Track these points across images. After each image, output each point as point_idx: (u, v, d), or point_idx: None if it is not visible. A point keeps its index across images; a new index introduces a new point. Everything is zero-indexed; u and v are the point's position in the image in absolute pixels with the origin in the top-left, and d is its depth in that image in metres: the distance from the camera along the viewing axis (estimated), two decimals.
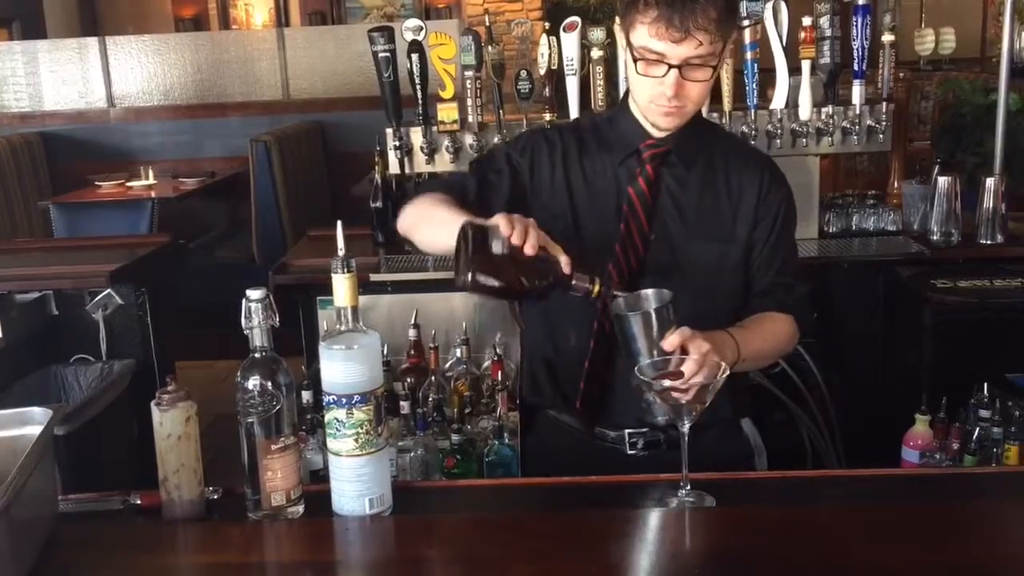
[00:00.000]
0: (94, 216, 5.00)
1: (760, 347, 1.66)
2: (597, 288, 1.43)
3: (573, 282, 1.42)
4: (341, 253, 1.37)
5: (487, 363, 2.57)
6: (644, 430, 1.70)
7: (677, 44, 1.52)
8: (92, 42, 6.18)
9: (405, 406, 2.33)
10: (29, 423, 1.38)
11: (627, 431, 1.72)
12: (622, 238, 1.67)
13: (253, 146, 5.12)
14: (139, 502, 1.45)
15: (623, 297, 1.44)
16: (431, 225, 1.59)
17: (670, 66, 1.54)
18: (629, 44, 1.59)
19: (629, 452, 1.72)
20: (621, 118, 1.74)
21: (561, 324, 1.76)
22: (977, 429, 2.21)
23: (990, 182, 2.96)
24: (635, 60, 1.58)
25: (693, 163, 1.71)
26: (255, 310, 1.35)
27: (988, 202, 2.96)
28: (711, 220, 1.71)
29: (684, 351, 1.40)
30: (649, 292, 1.45)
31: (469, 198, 1.67)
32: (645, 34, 1.54)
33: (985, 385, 2.26)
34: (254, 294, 1.35)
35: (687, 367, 1.38)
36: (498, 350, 2.54)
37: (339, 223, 1.41)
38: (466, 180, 1.75)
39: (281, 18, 10.34)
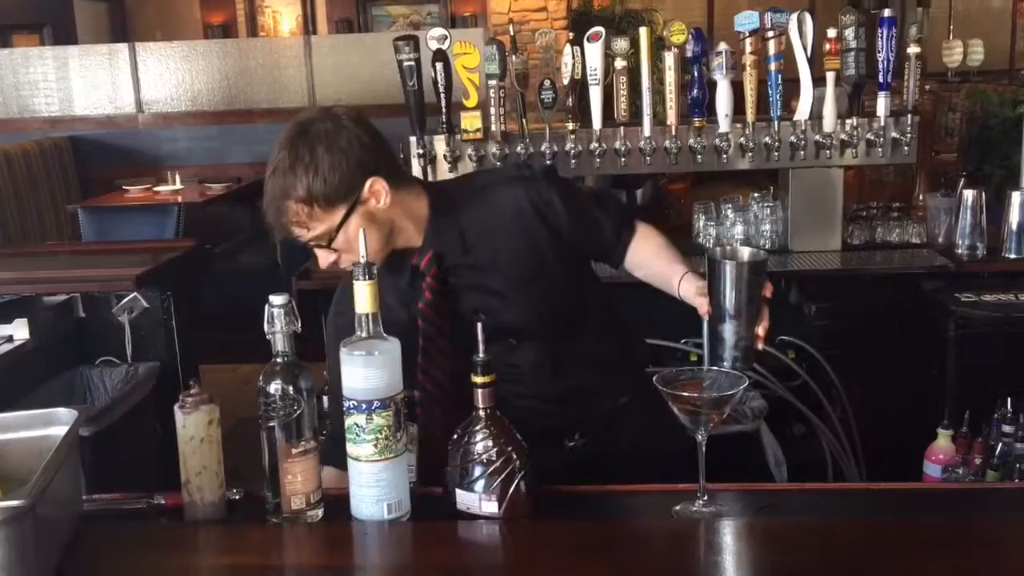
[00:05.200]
0: (121, 220, 5.05)
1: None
2: None
3: None
4: (363, 260, 1.38)
5: None
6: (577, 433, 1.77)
7: (290, 238, 1.62)
8: (122, 48, 6.26)
9: None
10: (55, 423, 1.39)
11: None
12: (424, 349, 1.69)
13: None
14: (162, 503, 1.47)
15: (719, 247, 1.53)
16: None
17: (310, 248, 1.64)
18: None
19: (569, 444, 1.77)
20: None
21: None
22: (1000, 444, 2.19)
23: (1016, 196, 2.94)
24: None
25: (464, 241, 1.69)
26: (278, 315, 1.37)
27: (1014, 216, 2.93)
28: (518, 269, 1.70)
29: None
30: (745, 248, 1.53)
31: None
32: None
33: (1008, 400, 2.24)
34: (277, 300, 1.37)
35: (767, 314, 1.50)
36: None
37: (362, 231, 1.43)
38: None
39: (308, 26, 10.42)
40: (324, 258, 1.65)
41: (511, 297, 1.70)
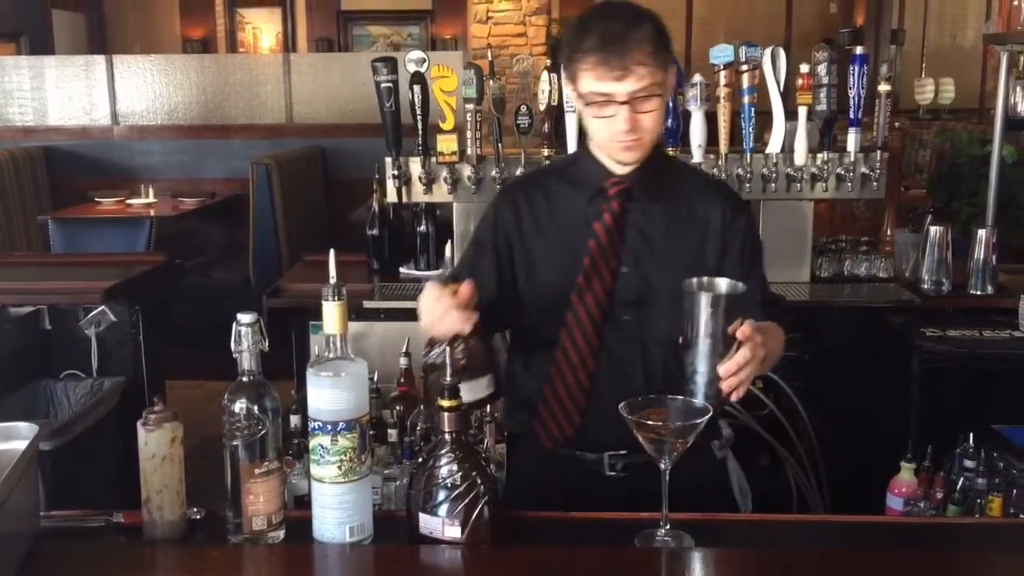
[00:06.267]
0: (92, 232, 5.00)
1: (778, 347, 1.72)
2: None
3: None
4: (332, 281, 1.38)
5: None
6: (623, 452, 1.74)
7: (620, 82, 1.62)
8: (99, 60, 6.22)
9: (392, 434, 2.33)
10: (15, 438, 1.38)
11: (607, 454, 1.77)
12: (586, 270, 1.73)
13: (254, 169, 5.15)
14: (121, 521, 1.45)
15: (696, 279, 1.53)
16: None
17: (619, 103, 1.64)
18: (579, 94, 1.69)
19: (608, 473, 1.76)
20: (583, 160, 1.82)
21: (551, 364, 1.78)
22: (962, 479, 2.22)
23: (982, 233, 2.99)
24: (587, 105, 1.68)
25: (657, 196, 1.78)
26: (245, 334, 1.36)
27: (980, 253, 2.98)
28: (679, 248, 1.77)
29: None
30: (723, 280, 1.54)
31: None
32: (590, 79, 1.65)
33: (971, 435, 2.26)
34: (245, 318, 1.36)
35: (741, 355, 1.46)
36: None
37: (332, 251, 1.43)
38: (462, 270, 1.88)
39: (288, 43, 10.43)
40: (631, 120, 1.64)
41: (655, 266, 1.74)
